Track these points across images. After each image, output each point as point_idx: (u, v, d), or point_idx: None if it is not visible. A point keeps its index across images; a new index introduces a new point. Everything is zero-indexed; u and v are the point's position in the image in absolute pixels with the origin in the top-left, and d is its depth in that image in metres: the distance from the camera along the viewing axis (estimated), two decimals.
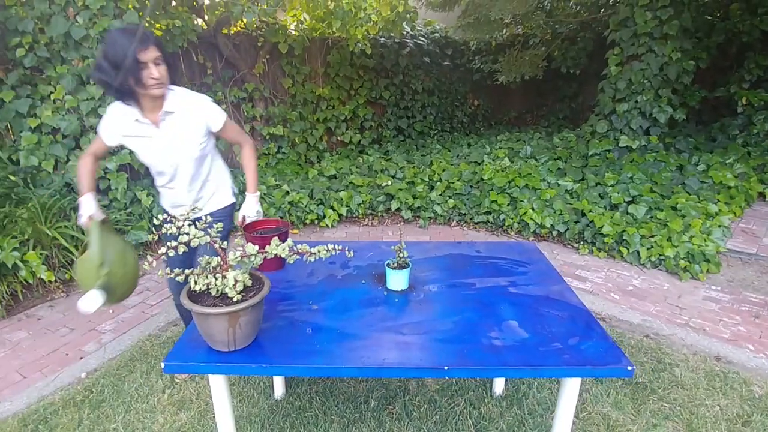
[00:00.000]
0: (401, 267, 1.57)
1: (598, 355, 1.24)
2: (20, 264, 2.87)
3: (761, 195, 4.47)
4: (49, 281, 3.10)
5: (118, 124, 1.74)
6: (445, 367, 1.19)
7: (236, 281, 1.17)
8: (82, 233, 3.33)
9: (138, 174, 4.06)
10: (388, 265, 1.57)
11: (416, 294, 1.56)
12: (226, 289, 1.17)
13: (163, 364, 1.20)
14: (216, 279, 1.18)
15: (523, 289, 1.60)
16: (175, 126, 1.74)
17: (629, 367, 1.19)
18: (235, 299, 1.16)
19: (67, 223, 3.26)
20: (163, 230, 1.17)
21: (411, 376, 1.19)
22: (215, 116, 1.81)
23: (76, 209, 3.44)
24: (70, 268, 3.29)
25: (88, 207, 1.69)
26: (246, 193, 1.98)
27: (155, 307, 3.00)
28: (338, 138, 6.25)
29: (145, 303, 3.05)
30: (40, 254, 3.00)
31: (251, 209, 1.93)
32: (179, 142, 1.77)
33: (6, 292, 2.91)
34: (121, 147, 1.85)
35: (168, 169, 1.84)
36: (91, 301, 1.42)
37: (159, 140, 1.75)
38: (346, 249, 1.42)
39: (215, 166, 1.97)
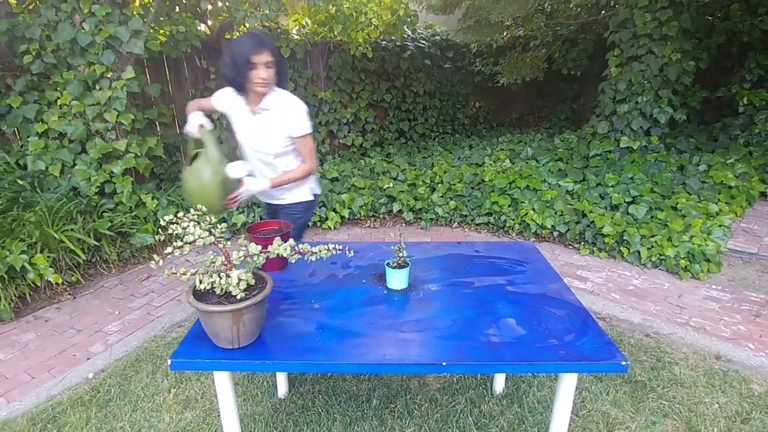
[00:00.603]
0: (401, 266, 1.60)
1: (593, 351, 1.26)
2: (28, 266, 2.92)
3: (762, 195, 4.48)
4: (57, 283, 3.15)
5: (228, 99, 2.08)
6: (444, 363, 1.22)
7: (240, 280, 1.21)
8: (89, 236, 3.38)
9: (143, 177, 4.11)
10: (388, 264, 1.60)
11: (416, 293, 1.59)
12: (230, 288, 1.20)
13: (169, 361, 1.23)
14: (220, 278, 1.22)
15: (521, 287, 1.63)
16: (268, 122, 2.02)
17: (623, 362, 1.21)
18: (239, 297, 1.19)
19: (73, 226, 3.31)
20: (169, 230, 1.21)
21: (410, 372, 1.22)
22: (297, 126, 2.02)
23: (82, 213, 3.50)
24: (76, 270, 3.34)
25: (198, 118, 1.95)
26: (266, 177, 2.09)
27: (160, 309, 3.04)
28: (340, 141, 6.30)
29: (150, 305, 3.09)
30: (48, 257, 3.05)
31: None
32: (266, 136, 2.04)
33: (14, 295, 2.96)
34: (215, 112, 2.18)
35: (252, 154, 2.14)
36: (239, 168, 1.80)
37: (251, 128, 2.06)
38: (347, 249, 1.45)
39: (297, 164, 2.16)
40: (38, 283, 3.03)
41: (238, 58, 1.84)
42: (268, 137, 2.04)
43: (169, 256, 1.22)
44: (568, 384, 1.33)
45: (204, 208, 1.32)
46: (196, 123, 1.95)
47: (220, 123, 4.91)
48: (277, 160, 2.11)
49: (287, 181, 2.10)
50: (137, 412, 2.10)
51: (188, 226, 1.23)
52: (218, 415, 2.05)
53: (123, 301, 3.15)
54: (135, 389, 2.24)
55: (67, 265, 3.27)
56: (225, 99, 2.10)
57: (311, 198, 2.28)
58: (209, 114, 2.10)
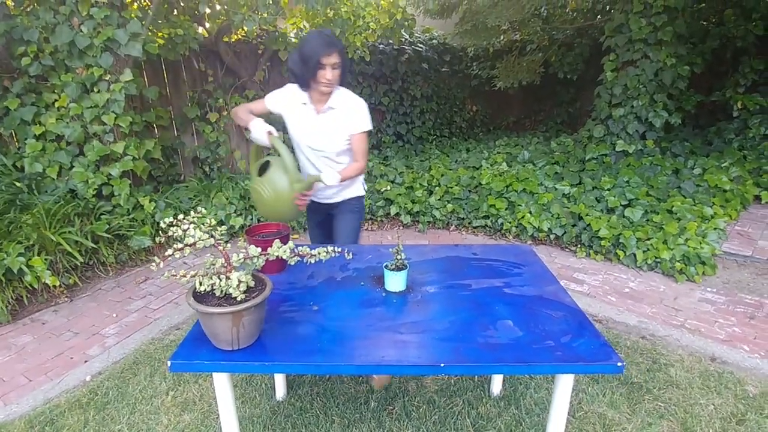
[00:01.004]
0: (399, 269, 1.61)
1: (589, 352, 1.28)
2: (25, 269, 2.91)
3: (757, 198, 4.51)
4: (54, 286, 3.14)
5: (287, 99, 2.07)
6: (441, 365, 1.23)
7: (240, 282, 1.22)
8: (86, 238, 3.37)
9: (140, 180, 4.11)
10: (386, 266, 1.62)
11: (414, 295, 1.60)
12: (230, 290, 1.21)
13: (169, 363, 1.24)
14: (220, 280, 1.23)
15: (518, 289, 1.64)
16: (334, 120, 2.03)
17: (619, 364, 1.23)
18: (239, 299, 1.20)
19: (70, 228, 3.31)
20: (170, 233, 1.22)
21: (408, 373, 1.23)
22: (359, 122, 2.04)
23: (79, 215, 3.50)
24: (74, 273, 3.33)
25: (263, 124, 1.92)
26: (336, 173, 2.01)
27: (158, 312, 3.04)
28: None
29: (148, 307, 3.09)
30: (45, 259, 3.04)
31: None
32: (330, 135, 2.05)
33: (11, 297, 2.95)
34: (270, 114, 2.16)
35: (312, 152, 2.12)
36: (333, 176, 1.79)
37: (315, 127, 2.05)
38: (345, 251, 1.46)
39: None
40: (35, 286, 3.02)
41: (308, 58, 1.84)
42: (332, 136, 2.05)
43: (167, 259, 1.22)
44: (564, 385, 1.34)
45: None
46: (263, 131, 1.91)
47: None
48: (339, 158, 2.12)
49: (346, 174, 2.06)
50: (135, 414, 2.09)
51: (188, 228, 1.24)
52: (216, 418, 2.05)
53: (120, 303, 3.15)
54: (133, 392, 2.24)
55: (65, 267, 3.26)
56: (282, 100, 2.09)
57: (363, 193, 2.33)
58: (261, 115, 2.08)
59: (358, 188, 2.29)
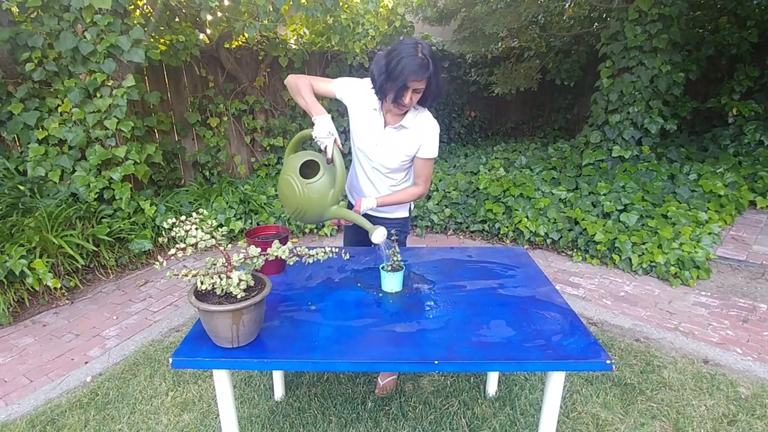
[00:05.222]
0: (395, 270, 1.65)
1: (579, 350, 1.31)
2: (27, 271, 2.95)
3: (752, 203, 4.57)
4: (55, 288, 3.18)
5: (360, 95, 1.89)
6: (435, 362, 1.26)
7: (240, 280, 1.26)
8: (87, 241, 3.41)
9: (141, 184, 4.16)
10: (382, 268, 1.65)
11: (409, 295, 1.64)
12: (231, 288, 1.25)
13: (170, 360, 1.27)
14: (221, 279, 1.27)
15: (512, 290, 1.68)
16: (402, 139, 1.88)
17: (608, 361, 1.26)
18: (239, 296, 1.24)
19: (72, 231, 3.35)
20: (172, 233, 1.26)
21: (403, 370, 1.27)
22: (429, 148, 1.91)
23: (81, 218, 3.54)
24: (75, 275, 3.37)
25: (330, 125, 1.72)
26: (371, 197, 1.97)
27: (158, 314, 3.07)
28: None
29: (148, 310, 3.12)
30: (47, 262, 3.08)
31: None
32: (392, 152, 1.90)
33: (13, 299, 2.99)
34: (336, 103, 1.98)
35: (365, 160, 1.97)
36: (381, 234, 1.64)
37: (378, 139, 1.89)
38: (343, 251, 1.50)
39: (406, 183, 2.05)
40: (37, 288, 3.05)
41: (395, 76, 1.64)
42: (394, 153, 1.90)
43: (169, 258, 1.25)
44: (555, 382, 1.38)
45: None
46: (329, 134, 1.70)
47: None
48: (392, 174, 1.98)
49: (393, 202, 1.97)
50: (135, 414, 2.12)
51: (190, 228, 1.28)
52: (215, 417, 2.08)
53: (121, 306, 3.18)
54: (133, 392, 2.27)
55: (66, 270, 3.30)
56: (354, 93, 1.90)
57: (407, 215, 2.15)
58: (321, 95, 1.91)
59: (400, 209, 2.10)
